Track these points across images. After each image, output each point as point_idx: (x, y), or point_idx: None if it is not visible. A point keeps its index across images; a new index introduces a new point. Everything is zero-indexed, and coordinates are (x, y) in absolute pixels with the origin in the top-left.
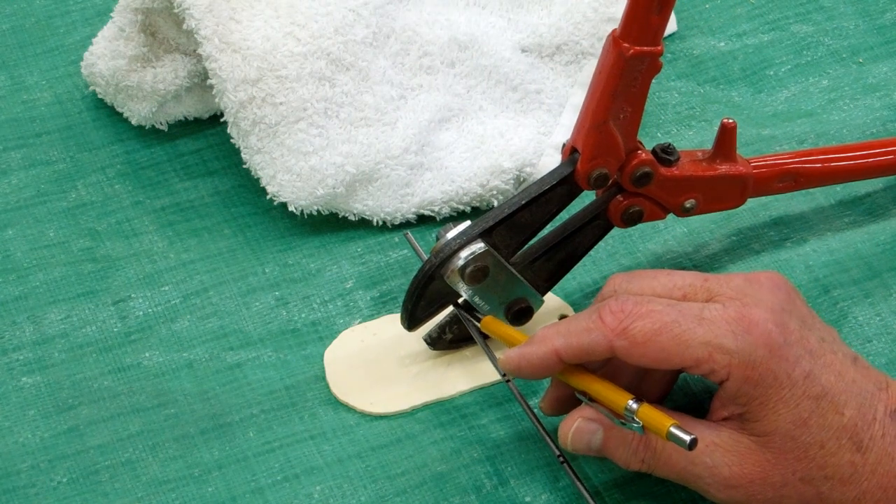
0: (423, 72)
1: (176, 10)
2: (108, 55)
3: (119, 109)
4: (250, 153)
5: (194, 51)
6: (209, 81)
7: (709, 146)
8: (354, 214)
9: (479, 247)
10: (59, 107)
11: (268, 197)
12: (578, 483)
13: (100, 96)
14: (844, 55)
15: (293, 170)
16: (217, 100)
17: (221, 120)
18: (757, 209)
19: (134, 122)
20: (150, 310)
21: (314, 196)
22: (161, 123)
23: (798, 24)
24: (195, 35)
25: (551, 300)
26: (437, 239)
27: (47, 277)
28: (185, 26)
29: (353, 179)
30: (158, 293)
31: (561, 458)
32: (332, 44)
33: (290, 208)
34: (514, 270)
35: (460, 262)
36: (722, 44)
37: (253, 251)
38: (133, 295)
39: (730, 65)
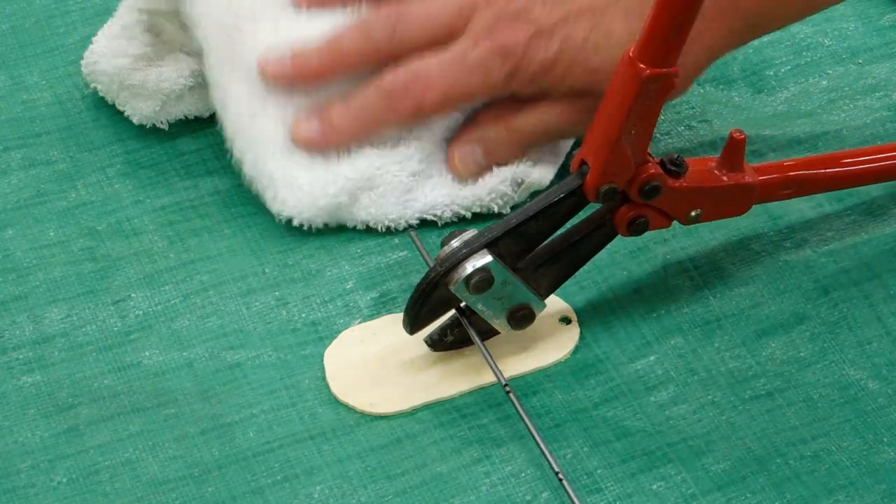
0: None
1: (183, 18)
2: (111, 53)
3: (121, 108)
4: (248, 179)
5: (199, 52)
6: (211, 94)
7: (708, 146)
8: (360, 223)
9: (485, 258)
10: (59, 107)
11: (274, 212)
12: (574, 499)
13: (101, 94)
14: (844, 56)
15: (294, 183)
16: (219, 115)
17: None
18: (757, 209)
19: (135, 120)
20: (149, 309)
21: (317, 206)
22: (162, 122)
23: (798, 24)
24: (202, 44)
25: (553, 302)
26: (442, 246)
27: (47, 277)
28: (191, 34)
29: (355, 187)
30: (158, 293)
31: (559, 476)
32: None
33: (295, 223)
34: (518, 280)
35: (465, 273)
36: None
37: (253, 251)
38: (133, 294)
39: (730, 65)
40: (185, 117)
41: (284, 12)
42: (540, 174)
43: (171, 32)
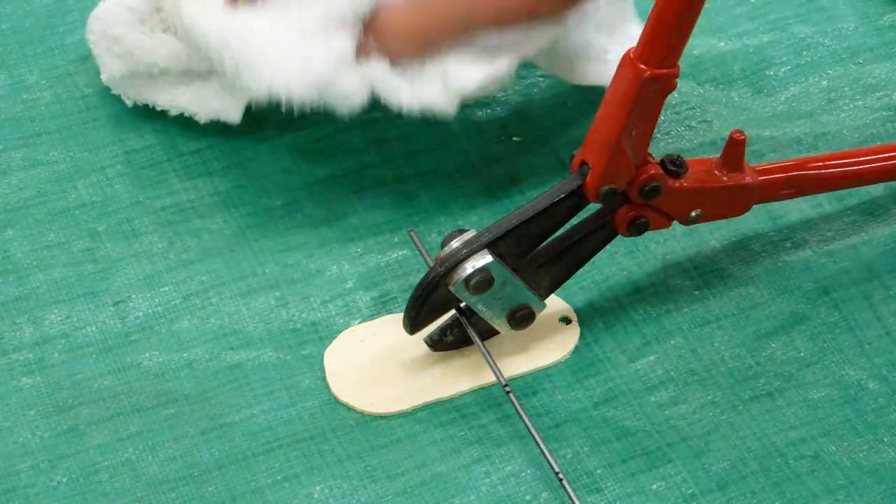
0: None
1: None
2: (113, 2)
3: (96, 57)
4: (232, 73)
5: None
6: (177, 22)
7: (708, 147)
8: (335, 98)
9: (485, 259)
10: (59, 107)
11: (262, 91)
12: (574, 499)
13: (89, 42)
14: (844, 56)
15: (279, 61)
16: (186, 36)
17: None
18: (757, 209)
19: (104, 78)
20: (150, 310)
21: (304, 82)
22: (128, 98)
23: (798, 24)
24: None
25: (553, 302)
26: (442, 246)
27: (47, 278)
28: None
29: (339, 63)
30: (158, 293)
31: (559, 476)
32: None
33: (285, 98)
34: (518, 280)
35: (465, 273)
36: (722, 44)
37: (253, 251)
38: (133, 295)
39: (730, 65)
40: (148, 105)
41: None
42: (465, 76)
43: (172, 11)
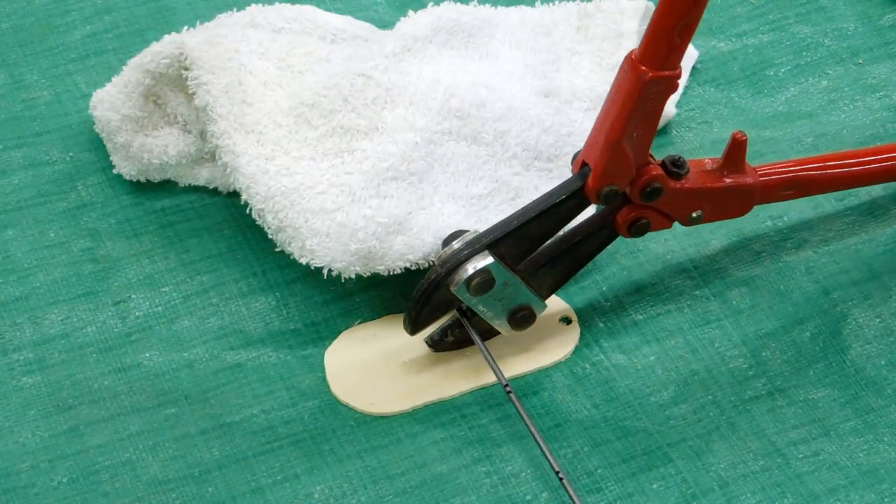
0: (452, 116)
1: (189, 84)
2: (107, 103)
3: (109, 156)
4: (273, 232)
5: (200, 131)
6: (220, 160)
7: (708, 147)
8: (397, 268)
9: (486, 260)
10: (59, 106)
11: (304, 263)
12: (575, 499)
13: (96, 129)
14: (844, 56)
15: (320, 231)
16: (230, 178)
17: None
18: (758, 209)
19: (115, 170)
20: (150, 310)
21: (349, 252)
22: (144, 180)
23: (798, 24)
24: (209, 111)
25: (553, 302)
26: (443, 247)
27: (48, 278)
28: (196, 102)
29: (386, 231)
30: (158, 293)
31: (560, 475)
32: (343, 116)
33: (325, 272)
34: (518, 280)
35: (466, 274)
36: (722, 44)
37: (253, 251)
38: (133, 295)
39: (730, 65)
40: (168, 180)
41: (288, 72)
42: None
43: (175, 104)
